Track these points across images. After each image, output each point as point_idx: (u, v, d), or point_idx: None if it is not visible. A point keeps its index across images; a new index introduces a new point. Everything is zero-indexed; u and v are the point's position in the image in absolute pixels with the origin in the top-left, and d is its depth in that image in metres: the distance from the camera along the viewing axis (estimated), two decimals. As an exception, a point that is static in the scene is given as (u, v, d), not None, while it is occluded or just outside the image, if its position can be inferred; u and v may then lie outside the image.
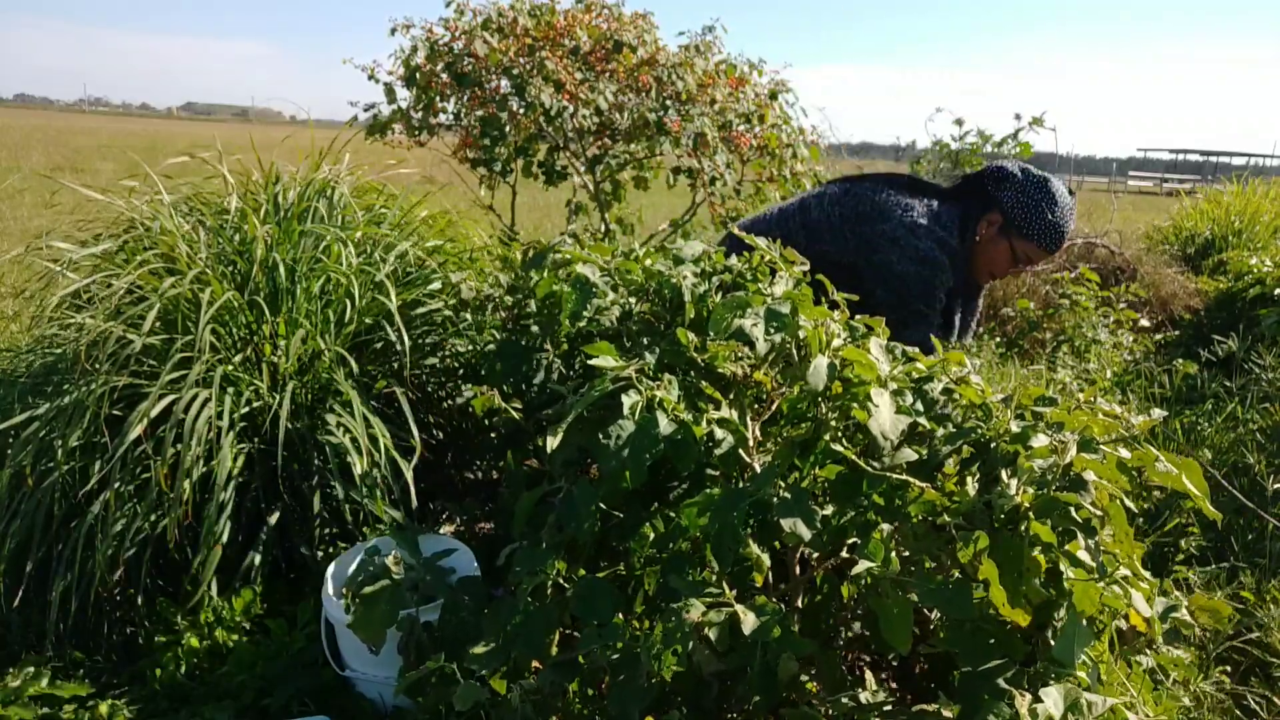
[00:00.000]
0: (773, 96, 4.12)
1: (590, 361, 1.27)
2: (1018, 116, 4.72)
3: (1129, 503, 1.12)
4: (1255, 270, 4.68)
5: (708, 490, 1.23)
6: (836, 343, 1.30)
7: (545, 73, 3.54)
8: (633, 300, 1.58)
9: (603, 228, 4.14)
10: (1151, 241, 6.46)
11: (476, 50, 3.60)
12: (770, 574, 1.41)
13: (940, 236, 2.04)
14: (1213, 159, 34.24)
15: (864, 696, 1.19)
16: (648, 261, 1.63)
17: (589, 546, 1.38)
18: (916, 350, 1.46)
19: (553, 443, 1.23)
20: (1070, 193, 2.07)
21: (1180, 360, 3.61)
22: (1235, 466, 2.64)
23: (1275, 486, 2.44)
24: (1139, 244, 5.92)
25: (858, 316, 1.51)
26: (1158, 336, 4.41)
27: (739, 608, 1.10)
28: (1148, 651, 1.30)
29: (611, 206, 4.21)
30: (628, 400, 1.21)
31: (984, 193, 2.10)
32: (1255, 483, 2.51)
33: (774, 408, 1.38)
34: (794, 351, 1.33)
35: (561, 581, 1.33)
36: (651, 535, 1.40)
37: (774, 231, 2.16)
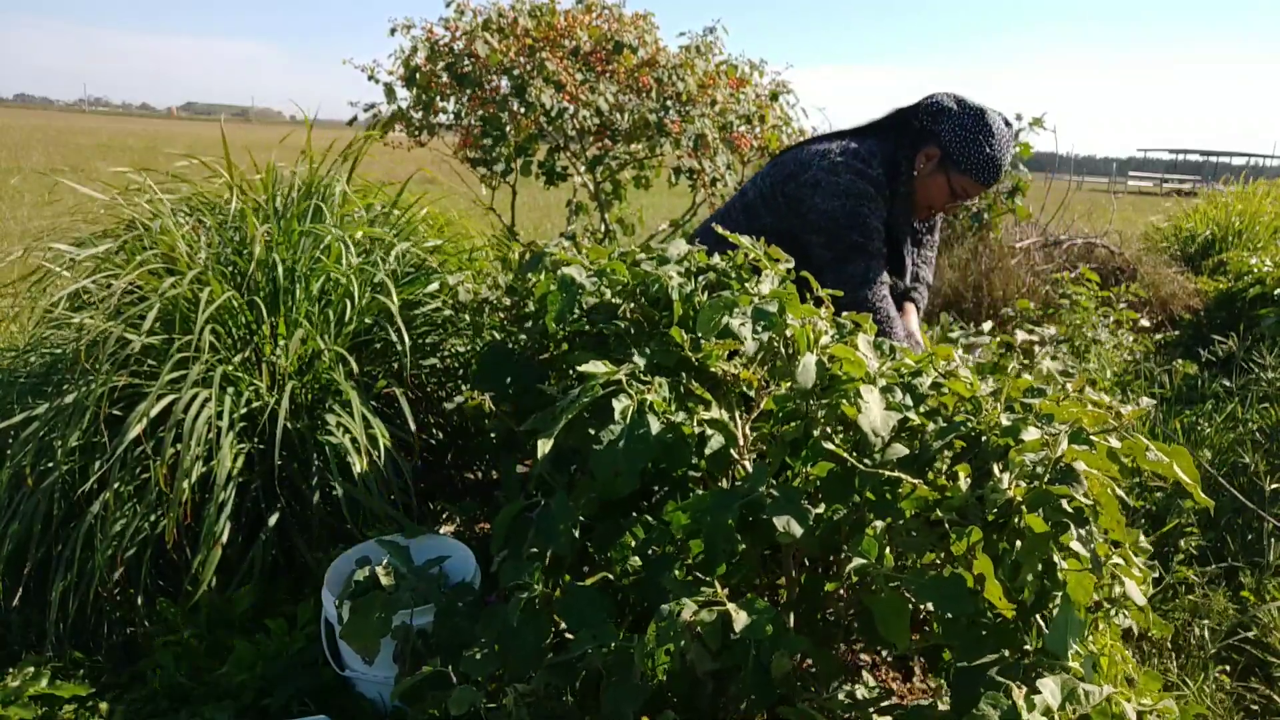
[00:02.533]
0: (774, 97, 4.13)
1: (580, 369, 1.26)
2: (1018, 116, 4.73)
3: (1121, 491, 1.12)
4: (1255, 270, 4.68)
5: (698, 492, 1.23)
6: (824, 339, 1.30)
7: (546, 73, 3.54)
8: (618, 300, 1.58)
9: (603, 228, 4.14)
10: (1151, 241, 6.46)
11: (477, 51, 3.61)
12: (765, 572, 1.41)
13: (858, 169, 2.02)
14: (1213, 159, 34.26)
15: (860, 692, 1.19)
16: (639, 255, 1.62)
17: (570, 558, 1.37)
18: (903, 347, 1.45)
19: (544, 449, 1.21)
20: (1007, 123, 2.06)
21: (1180, 360, 3.61)
22: (1235, 466, 2.64)
23: (1274, 486, 2.44)
24: (1139, 244, 5.93)
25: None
26: (1158, 336, 4.41)
27: (730, 606, 1.09)
28: (1125, 613, 1.30)
29: (612, 206, 4.22)
30: (618, 405, 1.20)
31: (917, 127, 2.08)
32: (1254, 482, 2.51)
33: (762, 405, 1.38)
34: (782, 350, 1.33)
35: (549, 592, 1.33)
36: (633, 543, 1.40)
37: (721, 223, 2.17)
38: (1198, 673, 1.81)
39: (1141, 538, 1.28)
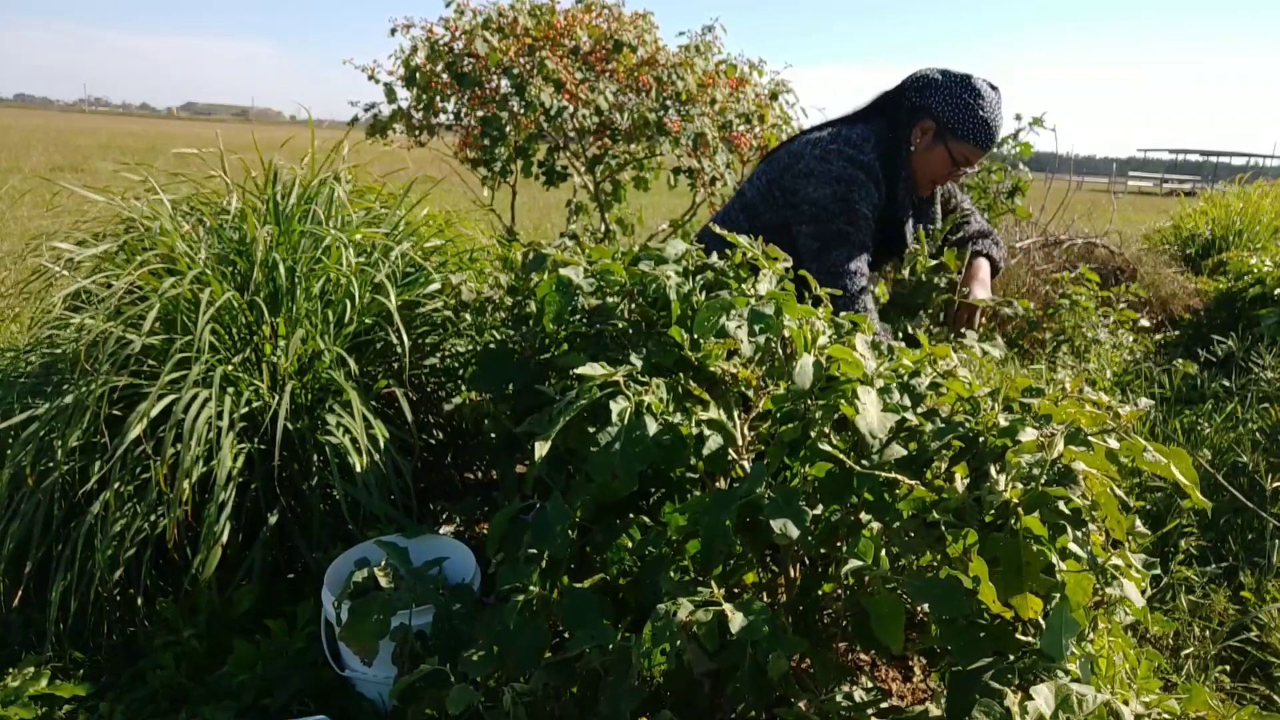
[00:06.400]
0: (773, 97, 4.13)
1: (576, 371, 1.26)
2: (1018, 116, 4.72)
3: (1120, 492, 1.12)
4: (1255, 270, 4.68)
5: (696, 493, 1.22)
6: (822, 340, 1.30)
7: (545, 72, 3.54)
8: (616, 300, 1.57)
9: (603, 228, 4.14)
10: (1151, 242, 6.46)
11: (477, 50, 3.61)
12: (762, 572, 1.41)
13: (850, 155, 2.03)
14: (1213, 159, 34.26)
15: (858, 694, 1.19)
16: (643, 257, 1.62)
17: (567, 560, 1.37)
18: (880, 334, 1.44)
19: (540, 451, 1.21)
20: (993, 87, 2.08)
21: (1180, 360, 3.61)
22: (1235, 466, 2.64)
23: (1274, 486, 2.44)
24: (1139, 244, 5.92)
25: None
26: (1158, 336, 4.41)
27: (727, 607, 1.09)
28: (1126, 611, 1.29)
29: (611, 207, 4.22)
30: (615, 407, 1.20)
31: (906, 105, 2.11)
32: (1254, 482, 2.51)
33: (761, 405, 1.38)
34: (779, 351, 1.33)
35: (546, 594, 1.32)
36: (630, 545, 1.40)
37: (722, 224, 2.19)
38: (1198, 673, 1.81)
39: (1138, 523, 1.27)
